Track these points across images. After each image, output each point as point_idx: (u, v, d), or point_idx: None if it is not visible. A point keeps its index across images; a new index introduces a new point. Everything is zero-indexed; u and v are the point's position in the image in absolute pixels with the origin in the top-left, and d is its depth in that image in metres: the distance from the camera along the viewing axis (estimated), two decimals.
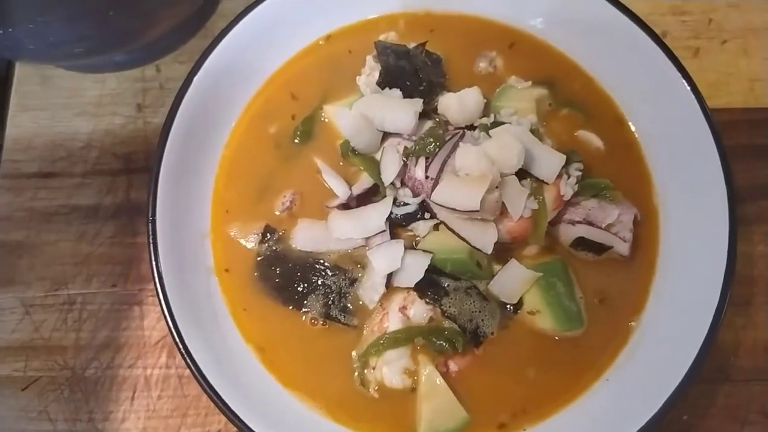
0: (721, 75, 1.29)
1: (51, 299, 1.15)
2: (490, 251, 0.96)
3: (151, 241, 0.98)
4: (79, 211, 1.20)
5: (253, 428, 0.91)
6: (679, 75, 1.06)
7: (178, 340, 0.94)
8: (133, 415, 1.09)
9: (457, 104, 1.04)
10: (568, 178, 1.01)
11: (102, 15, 0.99)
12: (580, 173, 1.02)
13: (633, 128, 1.12)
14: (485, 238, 0.96)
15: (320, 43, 1.17)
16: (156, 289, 0.97)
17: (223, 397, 0.92)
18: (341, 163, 1.08)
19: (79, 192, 1.21)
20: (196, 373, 0.93)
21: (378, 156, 1.05)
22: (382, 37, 1.15)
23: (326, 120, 1.12)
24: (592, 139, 1.11)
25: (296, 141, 1.11)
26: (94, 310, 1.15)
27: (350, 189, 1.04)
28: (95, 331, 1.13)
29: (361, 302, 1.02)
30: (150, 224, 0.98)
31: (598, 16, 1.10)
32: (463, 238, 0.97)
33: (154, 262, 0.97)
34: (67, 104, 1.27)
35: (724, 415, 1.10)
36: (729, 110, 1.26)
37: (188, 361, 0.93)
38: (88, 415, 1.09)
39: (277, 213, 1.08)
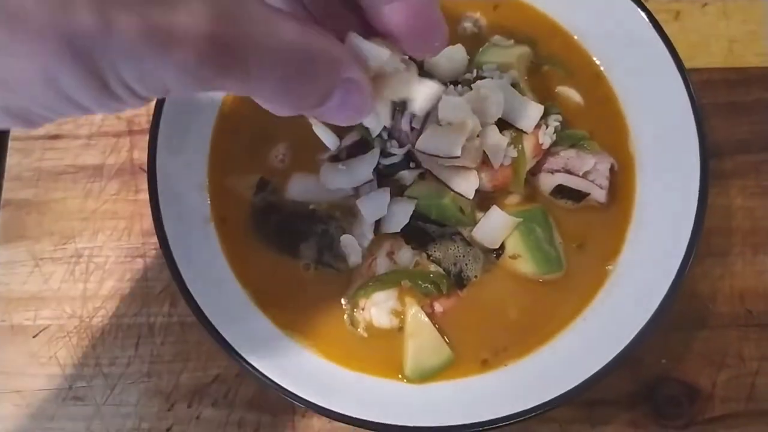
0: (701, 36, 1.33)
1: (59, 253, 1.20)
2: (471, 196, 1.00)
3: (152, 192, 1.03)
4: (84, 170, 1.24)
5: (253, 364, 0.96)
6: (659, 37, 1.09)
7: (179, 284, 0.99)
8: (138, 360, 1.14)
9: (445, 61, 1.08)
10: (547, 128, 1.05)
11: None
12: (558, 124, 1.06)
13: (611, 84, 1.15)
14: (467, 183, 1.00)
15: None
16: (158, 237, 1.02)
17: (225, 337, 0.97)
18: None
19: (85, 152, 1.26)
20: (198, 315, 0.98)
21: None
22: None
23: None
24: (571, 94, 1.15)
25: None
26: (101, 262, 1.19)
27: (340, 141, 1.08)
28: (101, 282, 1.18)
29: (349, 249, 1.07)
30: (150, 177, 1.03)
31: None
32: (445, 184, 1.01)
33: (155, 214, 1.02)
34: None
35: (701, 360, 1.14)
36: (709, 70, 1.30)
37: (191, 305, 0.98)
38: (95, 361, 1.14)
39: (272, 165, 1.12)
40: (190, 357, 1.14)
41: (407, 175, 1.05)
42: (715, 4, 1.36)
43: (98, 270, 1.19)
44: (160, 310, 1.17)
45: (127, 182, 1.24)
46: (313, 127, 1.08)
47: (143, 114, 1.29)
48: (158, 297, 1.18)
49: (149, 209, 1.09)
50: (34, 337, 1.17)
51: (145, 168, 1.17)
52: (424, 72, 1.10)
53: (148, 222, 1.17)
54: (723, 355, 1.15)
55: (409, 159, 1.05)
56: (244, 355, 0.97)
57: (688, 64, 1.10)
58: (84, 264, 1.20)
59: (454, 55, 1.08)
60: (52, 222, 1.22)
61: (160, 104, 1.08)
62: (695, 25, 1.34)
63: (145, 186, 1.18)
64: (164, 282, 1.18)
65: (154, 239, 1.15)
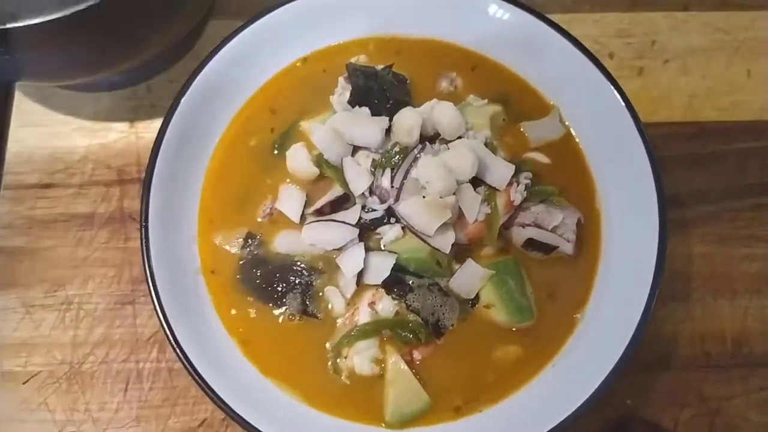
0: (663, 91, 1.40)
1: (50, 300, 1.22)
2: (448, 251, 1.05)
3: (143, 244, 1.06)
4: (76, 218, 1.27)
5: (237, 412, 1.00)
6: (618, 96, 1.16)
7: (169, 333, 1.02)
8: (127, 405, 1.16)
9: (449, 119, 1.11)
10: (518, 185, 1.10)
11: (99, 43, 1.07)
12: (529, 181, 1.12)
13: (578, 141, 1.21)
14: (444, 238, 1.05)
15: (297, 64, 1.25)
16: (149, 287, 1.04)
17: (210, 385, 1.00)
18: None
19: (76, 201, 1.28)
20: (185, 363, 1.01)
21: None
22: (353, 60, 1.23)
23: (302, 131, 1.19)
24: (538, 157, 1.20)
25: (275, 152, 1.18)
26: (90, 309, 1.21)
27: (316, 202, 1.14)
28: (91, 328, 1.20)
29: (333, 300, 1.11)
30: (143, 229, 1.06)
31: (548, 43, 1.20)
32: (424, 240, 1.06)
33: (146, 264, 1.05)
34: (65, 120, 1.34)
35: (664, 400, 1.19)
36: (669, 124, 1.36)
37: (178, 352, 1.01)
38: (85, 406, 1.16)
39: (260, 220, 1.15)
40: (177, 402, 1.17)
41: (387, 230, 1.10)
42: (676, 61, 1.43)
43: (88, 317, 1.21)
44: (149, 356, 1.19)
45: (117, 230, 1.27)
46: (277, 203, 1.13)
47: (133, 164, 1.32)
48: (147, 343, 1.20)
49: (139, 257, 1.12)
50: (24, 383, 1.18)
51: (135, 217, 1.24)
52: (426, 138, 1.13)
53: (138, 269, 1.23)
54: (685, 395, 1.20)
55: (390, 214, 1.10)
56: (229, 403, 1.00)
57: (649, 118, 1.17)
58: (74, 311, 1.22)
59: (448, 113, 1.11)
60: (44, 269, 1.25)
61: (152, 161, 1.11)
62: (657, 81, 1.41)
63: (134, 234, 1.25)
64: (153, 328, 1.21)
65: (144, 286, 1.18)
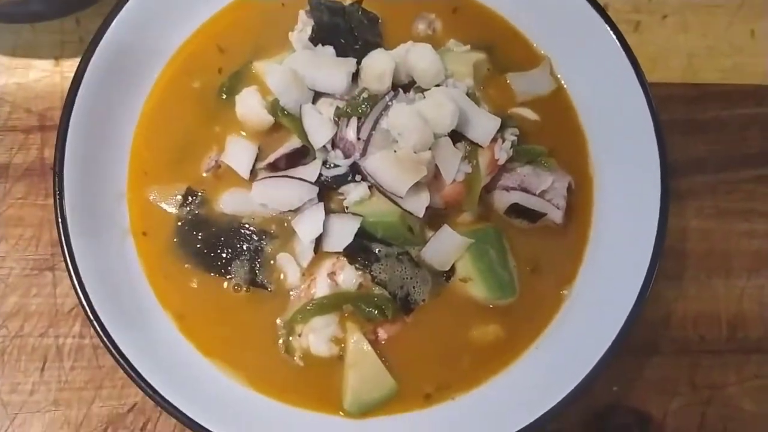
0: (660, 49, 1.30)
1: None
2: (421, 215, 0.95)
3: (57, 197, 0.93)
4: None
5: (169, 400, 0.88)
6: (620, 47, 1.05)
7: (85, 303, 0.91)
8: (44, 387, 1.05)
9: (426, 64, 0.99)
10: (503, 142, 1.00)
11: None
12: (515, 138, 1.01)
13: (571, 97, 1.11)
14: (417, 200, 0.95)
15: None
16: (62, 248, 0.92)
17: (137, 368, 0.89)
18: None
19: None
20: (105, 339, 0.90)
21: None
22: None
23: (255, 73, 1.08)
24: (525, 113, 1.10)
25: (223, 97, 1.07)
26: (3, 275, 1.09)
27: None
28: (3, 297, 1.08)
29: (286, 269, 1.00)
30: (56, 179, 0.93)
31: None
32: (394, 201, 0.95)
33: (59, 220, 0.93)
34: None
35: (653, 387, 1.12)
36: (667, 85, 1.27)
37: (96, 326, 0.90)
38: None
39: (204, 174, 1.04)
40: (103, 384, 1.05)
41: (352, 189, 0.98)
42: (675, 16, 1.33)
43: (0, 284, 1.09)
44: (71, 331, 1.07)
45: (36, 184, 1.14)
46: (224, 154, 1.00)
47: (57, 108, 1.17)
48: (68, 315, 1.08)
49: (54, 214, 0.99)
50: None
51: None
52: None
53: None
54: (675, 383, 1.13)
55: (354, 171, 0.98)
56: (159, 390, 0.88)
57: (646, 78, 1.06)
58: None
59: (425, 56, 0.99)
60: None
61: (71, 96, 0.97)
62: (654, 38, 1.31)
63: None
64: (75, 299, 1.02)
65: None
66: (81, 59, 0.98)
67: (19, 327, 1.06)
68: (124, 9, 1.01)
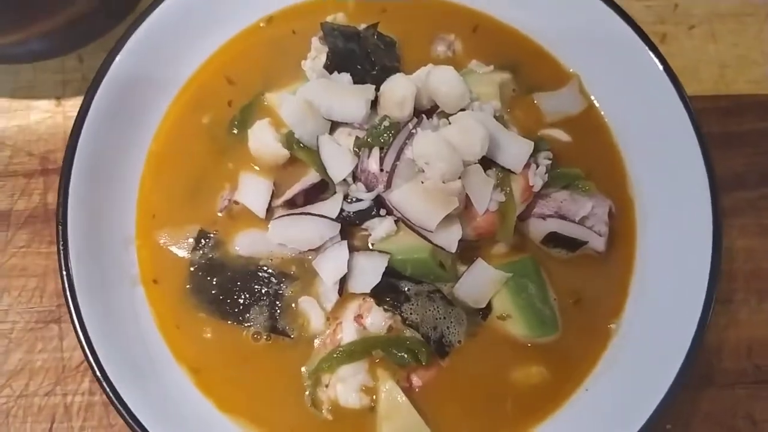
0: (689, 61, 1.25)
1: None
2: (454, 250, 0.90)
3: (61, 247, 0.89)
4: None
5: None
6: (655, 59, 1.01)
7: (93, 362, 0.86)
8: None
9: (448, 87, 0.94)
10: (537, 167, 0.95)
11: None
12: (549, 161, 0.97)
13: (603, 115, 1.07)
14: (449, 235, 0.89)
15: (261, 25, 1.10)
16: (66, 301, 0.88)
17: (149, 429, 0.83)
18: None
19: None
20: (115, 400, 0.84)
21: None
22: (329, 19, 1.08)
23: (267, 106, 1.04)
24: (556, 134, 1.06)
25: (234, 131, 1.03)
26: (6, 330, 1.05)
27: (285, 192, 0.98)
28: (6, 354, 1.04)
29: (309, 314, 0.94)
30: (60, 228, 0.89)
31: None
32: (423, 236, 0.89)
33: (64, 272, 0.88)
34: None
35: (709, 422, 1.06)
36: (699, 98, 1.22)
37: (106, 386, 0.85)
38: None
39: (218, 214, 0.99)
40: None
41: (377, 224, 0.93)
42: (702, 26, 1.29)
43: (2, 339, 1.04)
44: (79, 388, 1.02)
45: (40, 231, 1.09)
46: (237, 193, 0.96)
47: (60, 150, 1.13)
48: (76, 371, 1.02)
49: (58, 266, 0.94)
50: None
51: None
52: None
53: None
54: (732, 418, 1.06)
55: (379, 205, 0.93)
56: None
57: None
58: None
59: (447, 79, 0.94)
60: None
61: (74, 138, 0.93)
62: (682, 49, 1.26)
63: None
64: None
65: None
66: (84, 98, 0.95)
67: (24, 385, 1.01)
68: (127, 44, 0.98)
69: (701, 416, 1.05)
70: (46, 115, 1.15)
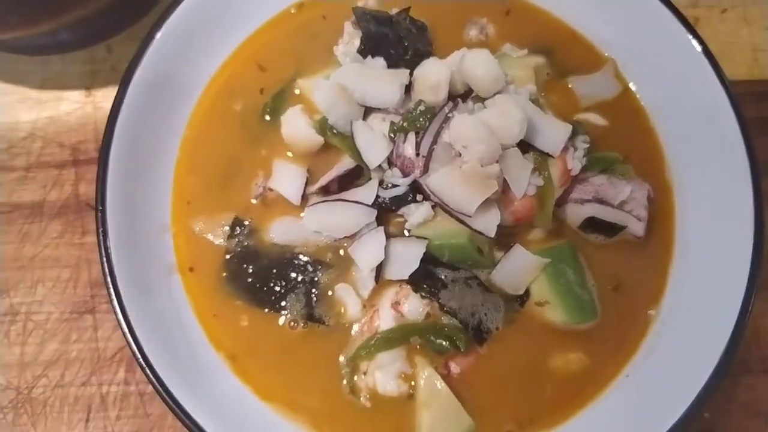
0: (722, 45, 1.23)
1: None
2: (493, 234, 0.88)
3: (101, 235, 0.87)
4: (21, 209, 1.09)
5: None
6: (693, 41, 0.98)
7: (136, 350, 0.84)
8: None
9: (484, 70, 0.91)
10: (575, 150, 0.92)
11: None
12: (587, 145, 0.95)
13: (640, 98, 1.05)
14: (487, 220, 0.87)
15: (291, 11, 1.09)
16: (108, 291, 0.86)
17: (193, 416, 0.83)
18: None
19: (21, 188, 1.10)
20: (159, 388, 0.83)
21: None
22: (360, 3, 1.07)
23: (299, 93, 1.03)
24: (592, 118, 1.04)
25: (266, 118, 1.02)
26: (41, 320, 1.04)
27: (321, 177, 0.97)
28: (42, 344, 1.03)
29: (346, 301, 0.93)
30: (99, 215, 0.88)
31: None
32: (461, 221, 0.88)
33: (105, 261, 0.87)
34: (5, 90, 1.16)
35: (746, 410, 1.04)
36: (734, 82, 1.16)
37: (150, 375, 0.84)
38: None
39: (253, 201, 0.98)
40: None
41: (413, 210, 0.91)
42: (735, 10, 1.26)
43: (38, 330, 1.03)
44: (114, 378, 1.01)
45: (72, 222, 1.09)
46: (271, 180, 0.95)
47: (91, 140, 1.13)
48: (111, 361, 1.02)
49: (98, 254, 0.93)
50: None
51: (94, 205, 1.03)
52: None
53: (98, 270, 1.03)
54: None
55: (415, 190, 0.91)
56: None
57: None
58: (21, 323, 1.04)
59: (483, 62, 0.91)
60: None
61: (110, 128, 0.91)
62: (715, 33, 1.24)
63: (93, 227, 1.05)
64: (119, 342, 1.02)
65: (105, 291, 1.01)
66: (118, 88, 0.94)
67: (60, 376, 1.01)
68: (158, 34, 0.97)
69: (739, 404, 1.03)
70: (76, 106, 1.14)
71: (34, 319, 1.03)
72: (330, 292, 0.93)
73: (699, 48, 0.97)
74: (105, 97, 1.15)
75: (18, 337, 1.02)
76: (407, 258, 0.89)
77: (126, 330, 0.84)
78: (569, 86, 1.05)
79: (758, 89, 1.20)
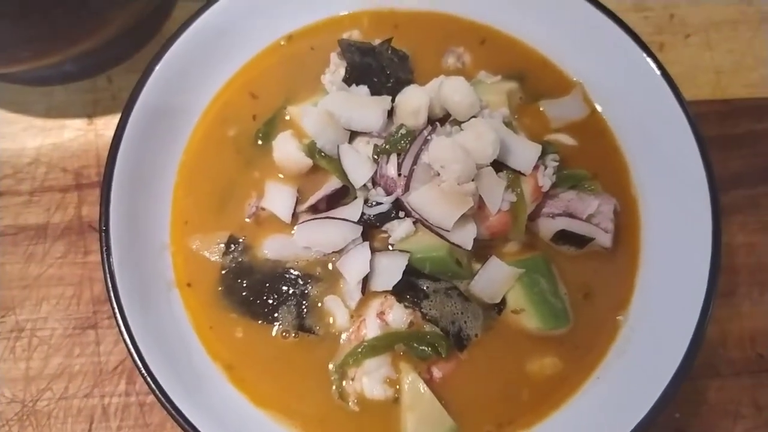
0: (687, 68, 1.29)
1: None
2: (470, 247, 0.92)
3: (104, 254, 0.91)
4: (26, 230, 1.13)
5: None
6: (653, 67, 1.04)
7: (138, 361, 0.88)
8: None
9: (461, 96, 0.97)
10: (545, 168, 0.98)
11: (48, 12, 0.92)
12: (556, 163, 1.00)
13: (606, 119, 1.10)
14: (464, 233, 0.92)
15: (281, 43, 1.13)
16: (112, 306, 0.90)
17: (192, 421, 0.86)
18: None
19: (26, 211, 1.14)
20: (160, 396, 0.86)
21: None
22: (345, 36, 1.11)
23: (289, 119, 1.07)
24: (562, 139, 1.09)
25: (259, 143, 1.07)
26: (45, 336, 1.07)
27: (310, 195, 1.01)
28: (46, 359, 1.06)
29: (334, 312, 0.97)
30: (102, 235, 0.91)
31: (569, 11, 1.09)
32: (440, 235, 0.92)
33: (108, 277, 0.91)
34: (11, 119, 1.20)
35: (716, 411, 1.08)
36: (697, 102, 1.25)
37: (151, 383, 0.87)
38: None
39: (247, 220, 1.02)
40: None
41: (396, 226, 0.96)
42: (698, 35, 1.33)
43: (42, 345, 1.06)
44: (116, 389, 1.05)
45: (75, 243, 1.12)
46: (263, 200, 1.00)
47: (93, 165, 1.17)
48: (113, 374, 1.05)
49: (101, 273, 0.98)
50: None
51: (96, 227, 1.09)
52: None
53: (100, 287, 1.08)
54: (738, 405, 1.08)
55: (397, 208, 0.96)
56: None
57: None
58: (26, 339, 1.07)
59: (459, 89, 0.97)
60: None
61: (113, 153, 0.96)
62: (680, 57, 1.31)
63: (95, 247, 1.10)
64: (119, 356, 1.06)
65: (107, 307, 1.06)
66: (120, 117, 0.98)
67: (63, 388, 1.04)
68: (157, 67, 1.01)
69: (708, 405, 1.08)
70: (78, 133, 1.18)
71: (39, 335, 1.06)
72: (319, 304, 0.96)
73: (659, 72, 1.03)
74: (106, 124, 1.19)
75: (23, 352, 1.05)
76: (391, 270, 0.92)
77: (128, 341, 0.87)
78: (541, 109, 1.09)
79: (721, 108, 1.26)
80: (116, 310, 0.89)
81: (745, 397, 1.08)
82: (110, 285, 0.90)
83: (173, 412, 0.85)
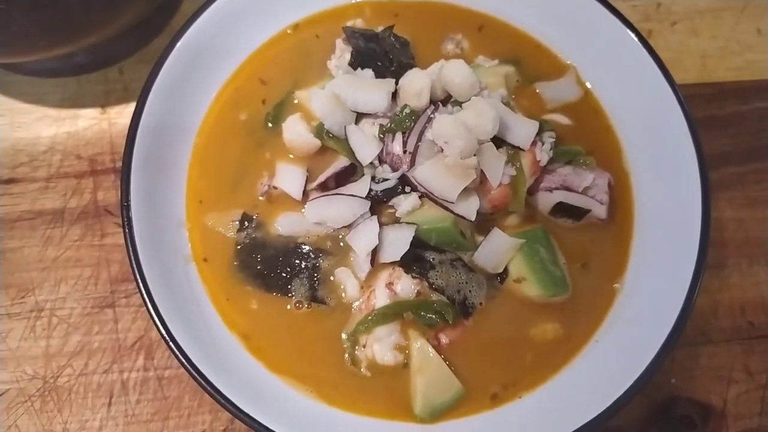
0: (674, 53, 1.35)
1: (17, 307, 1.10)
2: (473, 218, 0.96)
3: (126, 229, 0.94)
4: (44, 215, 1.15)
5: (254, 416, 0.88)
6: (643, 49, 1.09)
7: (164, 331, 0.90)
8: (111, 422, 1.04)
9: (461, 78, 1.01)
10: (543, 144, 1.02)
11: (64, 3, 0.96)
12: (553, 140, 1.03)
13: (599, 100, 1.14)
14: (468, 205, 0.96)
15: (288, 32, 1.17)
16: (136, 279, 0.93)
17: (217, 385, 0.89)
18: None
19: (43, 196, 1.17)
20: (185, 362, 0.89)
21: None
22: (348, 24, 1.15)
23: (297, 102, 1.11)
24: (558, 118, 1.13)
25: (269, 126, 1.10)
26: (64, 315, 1.10)
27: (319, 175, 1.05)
28: (66, 337, 1.08)
29: (345, 283, 1.01)
30: (124, 211, 0.95)
31: None
32: (445, 207, 0.96)
33: (131, 253, 0.94)
34: (26, 109, 1.23)
35: (709, 376, 1.12)
36: (684, 86, 1.28)
37: (177, 352, 0.89)
38: (63, 426, 1.03)
39: (260, 198, 1.06)
40: (170, 415, 1.05)
41: (402, 200, 1.00)
42: (684, 22, 1.39)
43: (62, 324, 1.09)
44: (134, 365, 1.07)
45: (92, 226, 1.15)
46: (275, 179, 1.03)
47: (106, 152, 1.20)
48: (131, 350, 1.08)
49: (117, 255, 1.03)
50: None
51: (111, 210, 1.14)
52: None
53: (117, 268, 1.12)
54: (730, 370, 1.13)
55: (404, 183, 1.00)
56: (238, 404, 0.88)
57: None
58: (46, 318, 1.09)
59: (460, 72, 1.01)
60: (8, 274, 1.12)
61: (131, 140, 1.00)
62: (667, 43, 1.36)
63: (111, 229, 1.14)
64: (137, 333, 1.09)
65: (124, 287, 1.10)
66: (136, 104, 1.01)
67: (83, 365, 1.06)
68: (169, 57, 1.05)
69: (702, 370, 1.12)
70: (92, 122, 1.21)
71: (58, 315, 1.09)
72: (331, 276, 1.00)
73: (649, 55, 1.07)
74: (118, 114, 1.22)
75: (43, 331, 1.08)
76: (399, 243, 0.96)
77: (152, 311, 0.90)
78: (537, 91, 1.14)
79: (706, 91, 1.32)
80: (139, 281, 0.92)
81: (737, 363, 1.13)
82: (132, 257, 0.93)
83: (198, 377, 0.88)
